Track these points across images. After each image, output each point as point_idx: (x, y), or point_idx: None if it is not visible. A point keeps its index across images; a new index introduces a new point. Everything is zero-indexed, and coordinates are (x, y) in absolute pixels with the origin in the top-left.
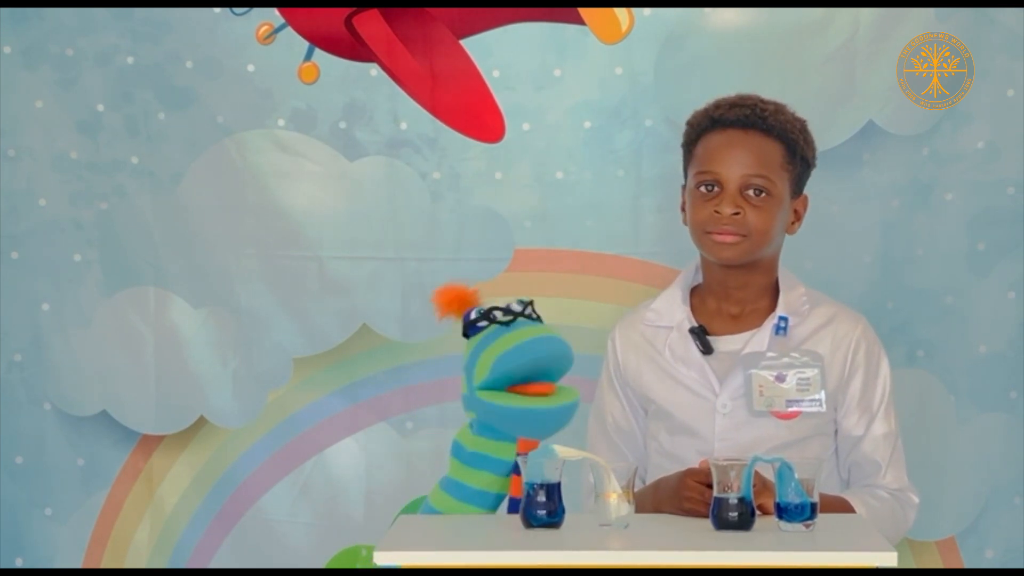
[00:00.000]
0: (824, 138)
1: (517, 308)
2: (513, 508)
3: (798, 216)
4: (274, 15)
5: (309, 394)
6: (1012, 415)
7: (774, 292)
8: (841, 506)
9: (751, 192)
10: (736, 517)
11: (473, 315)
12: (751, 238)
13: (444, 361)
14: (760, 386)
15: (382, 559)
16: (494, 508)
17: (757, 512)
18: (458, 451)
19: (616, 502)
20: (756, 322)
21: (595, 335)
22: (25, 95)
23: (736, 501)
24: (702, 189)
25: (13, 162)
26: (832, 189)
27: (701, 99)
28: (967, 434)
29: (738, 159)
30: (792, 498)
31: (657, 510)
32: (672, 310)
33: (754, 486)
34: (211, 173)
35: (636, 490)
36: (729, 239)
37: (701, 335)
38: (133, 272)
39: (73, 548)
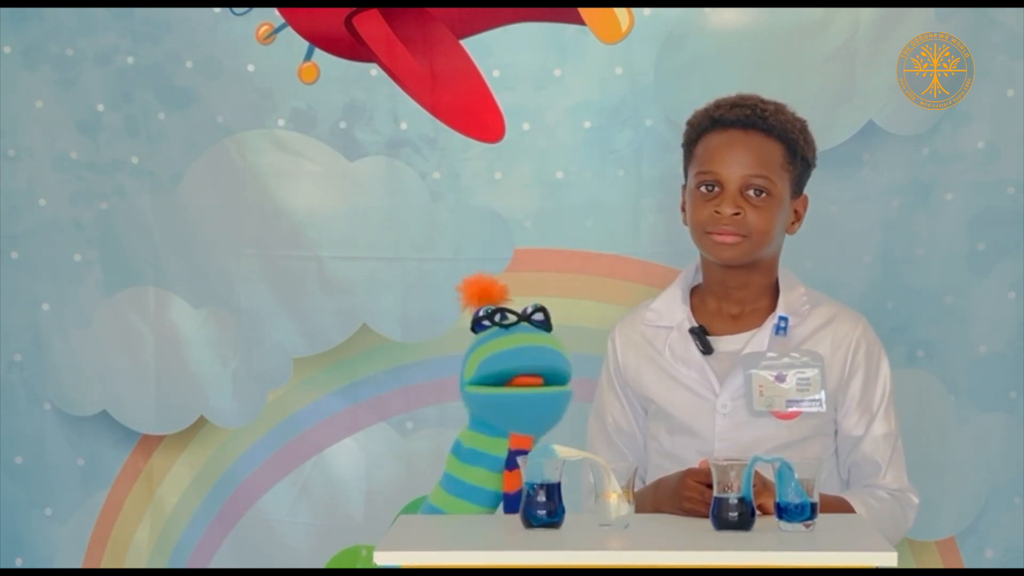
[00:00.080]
0: (824, 138)
1: (529, 311)
2: (507, 504)
3: (798, 216)
4: (274, 15)
5: (309, 394)
6: (1012, 415)
7: (774, 292)
8: (841, 506)
9: (751, 192)
10: (736, 517)
11: (481, 313)
12: (751, 238)
13: (444, 361)
14: (760, 386)
15: (382, 559)
16: (492, 505)
17: (757, 512)
18: (457, 448)
19: (616, 502)
20: (756, 322)
21: (595, 335)
22: (25, 95)
23: (736, 501)
24: (702, 189)
25: (13, 162)
26: (832, 189)
27: (701, 99)
28: (967, 434)
29: (738, 159)
30: (792, 498)
31: (657, 510)
32: (672, 310)
33: (754, 486)
34: (211, 173)
35: (636, 490)
36: (729, 239)
37: (701, 335)
38: (133, 272)
39: (73, 548)
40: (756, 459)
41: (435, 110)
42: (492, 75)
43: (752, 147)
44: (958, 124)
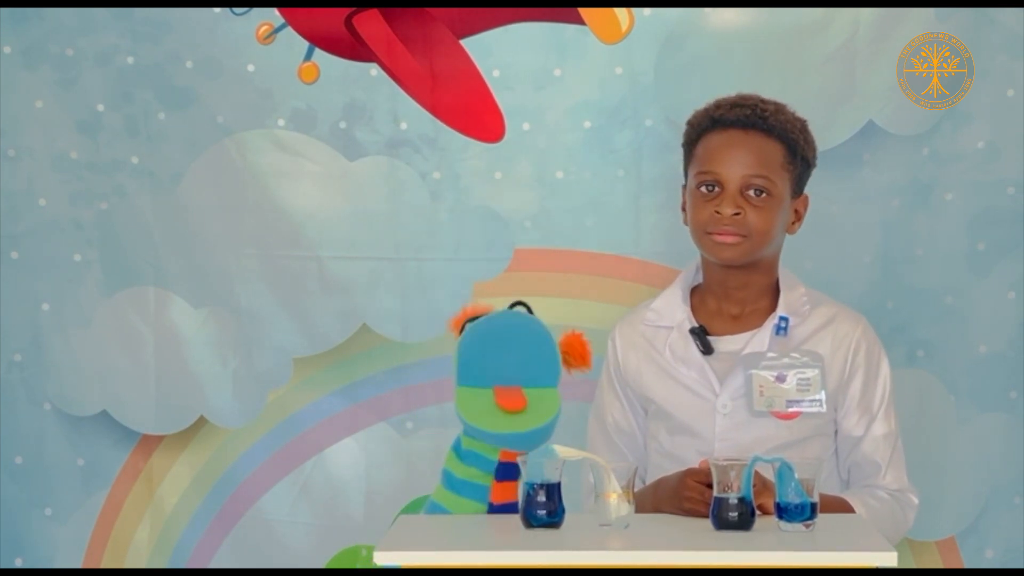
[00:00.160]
0: (824, 138)
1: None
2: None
3: (798, 216)
4: (274, 15)
5: (309, 394)
6: (1012, 415)
7: (774, 292)
8: (841, 506)
9: (752, 192)
10: (736, 517)
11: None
12: (752, 238)
13: (444, 361)
14: (760, 386)
15: (382, 559)
16: (484, 500)
17: (757, 512)
18: (456, 446)
19: (616, 502)
20: (756, 322)
21: (595, 335)
22: (25, 95)
23: (736, 501)
24: (703, 189)
25: (13, 162)
26: (832, 189)
27: (701, 99)
28: (967, 434)
29: (739, 159)
30: (792, 498)
31: (657, 510)
32: (672, 310)
33: (754, 486)
34: (211, 173)
35: (636, 490)
36: (730, 239)
37: (701, 335)
38: (133, 272)
39: (73, 548)
40: (756, 459)
41: (435, 110)
42: (492, 75)
43: (752, 147)
44: (958, 124)
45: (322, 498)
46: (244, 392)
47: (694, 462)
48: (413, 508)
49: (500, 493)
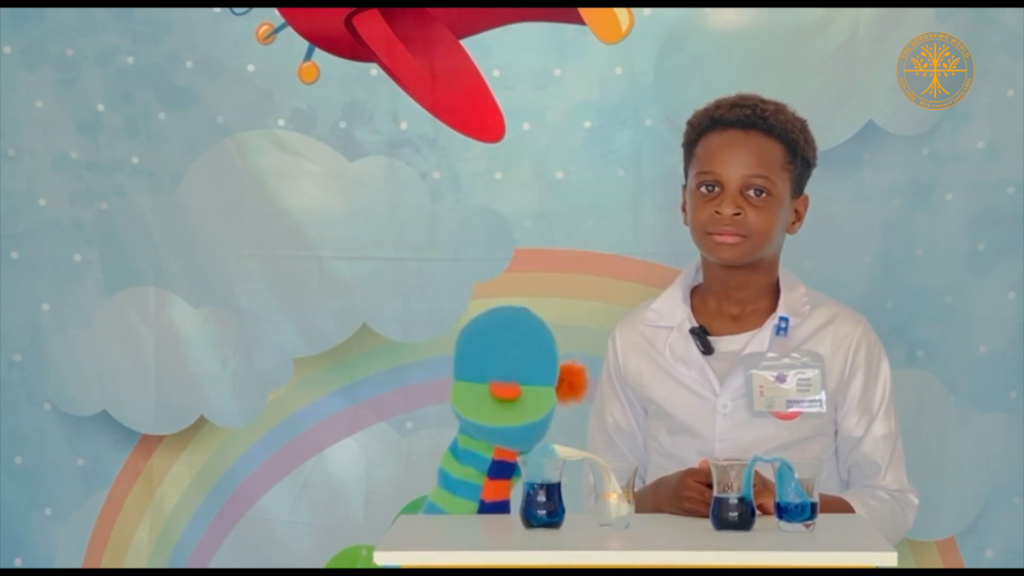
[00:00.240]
0: (824, 138)
1: None
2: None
3: (799, 216)
4: (274, 15)
5: (309, 394)
6: (1012, 415)
7: (775, 292)
8: (841, 507)
9: (752, 192)
10: (736, 517)
11: None
12: (752, 239)
13: (444, 361)
14: (760, 386)
15: (382, 559)
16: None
17: (757, 512)
18: (453, 445)
19: (616, 502)
20: (757, 322)
21: (595, 335)
22: (25, 95)
23: (736, 501)
24: (703, 189)
25: (13, 162)
26: (832, 189)
27: (701, 99)
28: (967, 434)
29: (739, 159)
30: (792, 498)
31: (657, 510)
32: (672, 310)
33: (754, 486)
34: (211, 173)
35: (636, 490)
36: (730, 239)
37: (701, 335)
38: (133, 272)
39: (73, 548)
40: (756, 459)
41: (435, 110)
42: (492, 75)
43: (752, 147)
44: (958, 124)
45: (322, 498)
46: (244, 392)
47: (694, 462)
48: (413, 508)
49: (492, 491)
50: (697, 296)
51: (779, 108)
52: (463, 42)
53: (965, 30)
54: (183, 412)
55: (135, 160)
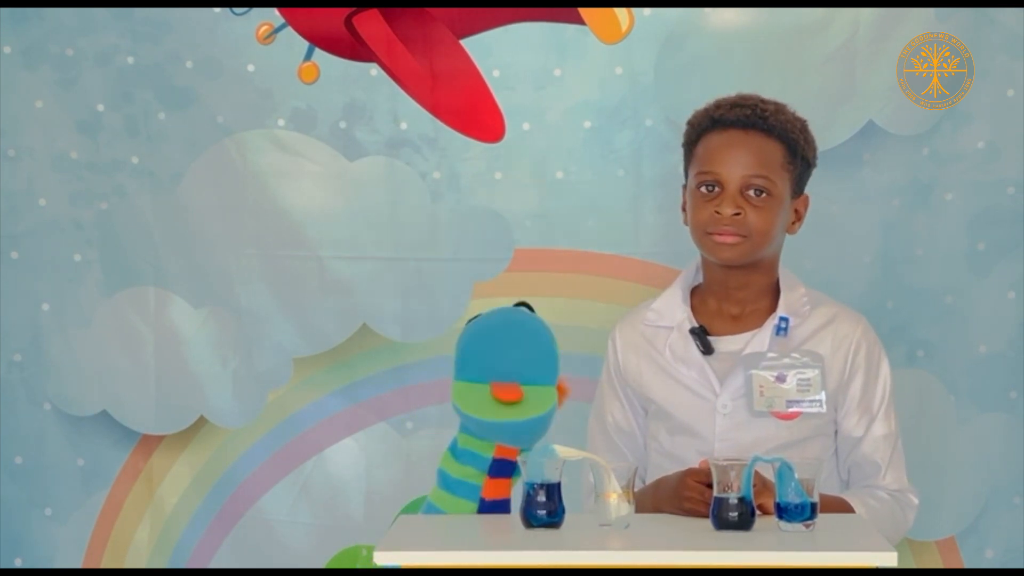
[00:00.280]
0: (824, 138)
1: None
2: (483, 510)
3: (799, 216)
4: (274, 15)
5: (309, 394)
6: (1012, 415)
7: (775, 292)
8: (841, 507)
9: (752, 192)
10: (736, 517)
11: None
12: (752, 239)
13: (444, 361)
14: (760, 386)
15: (382, 559)
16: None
17: (757, 512)
18: (453, 445)
19: (616, 502)
20: (757, 322)
21: (595, 335)
22: (25, 95)
23: (736, 501)
24: (703, 189)
25: (13, 162)
26: (832, 189)
27: (701, 99)
28: (967, 434)
29: (739, 159)
30: (792, 498)
31: (657, 510)
32: (672, 310)
33: (754, 486)
34: (211, 173)
35: (636, 490)
36: (730, 240)
37: (702, 335)
38: (133, 272)
39: (73, 548)
40: (756, 459)
41: (435, 110)
42: (492, 75)
43: (752, 147)
44: (958, 124)
45: (322, 498)
46: (244, 392)
47: (694, 462)
48: (413, 508)
49: (492, 489)
50: (697, 296)
51: (779, 108)
52: (463, 42)
53: (965, 30)
54: (183, 412)
55: (135, 160)
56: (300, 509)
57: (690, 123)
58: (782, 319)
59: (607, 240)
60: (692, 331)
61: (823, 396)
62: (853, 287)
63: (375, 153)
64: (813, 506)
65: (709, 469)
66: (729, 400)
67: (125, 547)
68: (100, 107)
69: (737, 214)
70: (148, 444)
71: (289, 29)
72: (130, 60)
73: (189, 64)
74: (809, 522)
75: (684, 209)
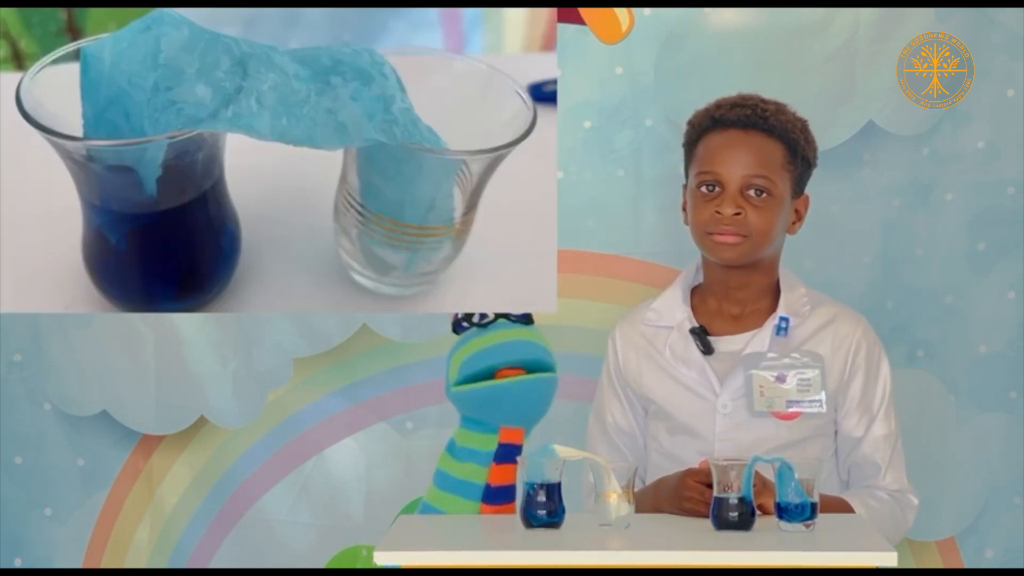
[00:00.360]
0: (824, 138)
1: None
2: (488, 496)
3: (799, 216)
4: None
5: (309, 394)
6: (1012, 415)
7: (775, 292)
8: (840, 507)
9: (752, 192)
10: (736, 517)
11: (460, 315)
12: (752, 239)
13: (444, 361)
14: (761, 386)
15: (382, 559)
16: (478, 499)
17: (757, 512)
18: (451, 446)
19: (616, 502)
20: (757, 322)
21: (595, 335)
22: None
23: (736, 501)
24: (703, 189)
25: None
26: (832, 189)
27: (701, 99)
28: (967, 434)
29: (739, 159)
30: (792, 498)
31: (657, 510)
32: (673, 310)
33: (754, 486)
34: None
35: (636, 490)
36: (730, 240)
37: (702, 335)
38: None
39: (73, 548)
40: (756, 459)
41: None
42: None
43: (753, 147)
44: (958, 124)
45: (322, 498)
46: (244, 392)
47: (694, 462)
48: (413, 508)
49: (499, 475)
50: (697, 296)
51: (779, 108)
52: None
53: (965, 30)
54: (183, 412)
55: None
56: (300, 509)
57: (690, 123)
58: (782, 319)
59: (607, 240)
60: (692, 331)
61: (823, 396)
62: (853, 287)
63: None
64: (813, 506)
65: (709, 469)
66: (729, 400)
67: (125, 547)
68: None
69: (737, 214)
70: (148, 444)
71: None
72: None
73: None
74: (809, 522)
75: (684, 209)
